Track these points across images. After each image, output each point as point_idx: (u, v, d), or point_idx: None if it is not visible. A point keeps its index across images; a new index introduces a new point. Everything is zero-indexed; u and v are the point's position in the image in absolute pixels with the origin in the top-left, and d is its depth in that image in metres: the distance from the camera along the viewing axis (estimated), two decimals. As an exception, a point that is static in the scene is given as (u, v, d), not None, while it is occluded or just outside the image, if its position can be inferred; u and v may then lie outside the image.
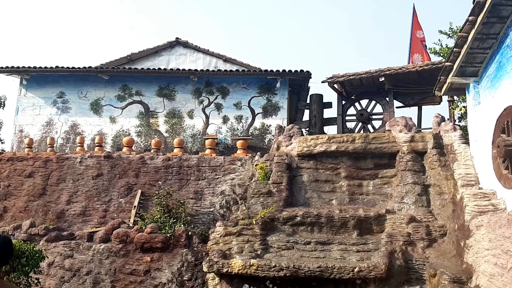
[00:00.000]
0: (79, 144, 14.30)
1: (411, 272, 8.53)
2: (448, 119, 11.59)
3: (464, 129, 10.94)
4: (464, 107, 11.79)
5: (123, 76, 15.41)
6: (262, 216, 9.87)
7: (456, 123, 12.15)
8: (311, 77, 14.68)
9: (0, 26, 48.58)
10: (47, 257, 10.20)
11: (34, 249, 9.37)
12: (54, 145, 14.52)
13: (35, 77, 15.67)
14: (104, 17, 50.57)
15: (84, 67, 15.07)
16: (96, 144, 14.12)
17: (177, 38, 17.30)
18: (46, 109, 15.57)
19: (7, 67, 15.18)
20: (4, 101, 22.79)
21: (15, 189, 13.21)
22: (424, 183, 10.09)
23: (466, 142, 9.83)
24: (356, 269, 8.37)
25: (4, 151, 16.46)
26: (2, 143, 22.37)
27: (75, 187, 12.94)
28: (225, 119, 14.93)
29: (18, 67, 15.15)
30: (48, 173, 13.28)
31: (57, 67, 14.99)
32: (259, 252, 9.42)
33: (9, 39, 48.24)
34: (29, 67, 15.12)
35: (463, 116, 13.30)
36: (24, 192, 13.07)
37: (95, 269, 10.75)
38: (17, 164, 13.60)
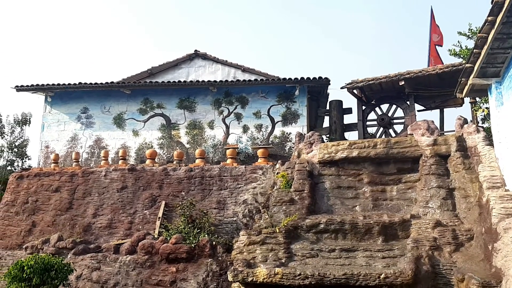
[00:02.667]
0: (103, 158, 14.58)
1: (438, 277, 8.41)
2: (471, 121, 11.43)
3: (488, 131, 10.76)
4: (486, 108, 11.60)
5: (145, 90, 15.68)
6: (285, 224, 9.88)
7: (479, 124, 11.97)
8: (329, 84, 14.66)
9: (25, 44, 50.01)
10: (75, 270, 10.43)
11: (63, 262, 9.60)
12: (79, 160, 14.84)
13: (59, 94, 16.07)
14: (123, 32, 51.59)
15: (107, 83, 15.39)
16: (120, 157, 14.37)
17: (195, 50, 17.54)
18: (71, 124, 15.93)
19: (32, 85, 15.62)
20: (29, 118, 23.46)
21: (42, 203, 13.52)
22: (448, 187, 9.95)
23: (490, 143, 9.67)
24: (382, 276, 8.29)
25: (31, 167, 16.87)
26: (28, 159, 22.96)
27: (100, 200, 13.17)
28: (245, 129, 15.01)
29: (42, 85, 15.56)
30: (74, 187, 13.56)
31: (80, 83, 15.35)
32: (283, 261, 9.41)
33: (33, 57, 49.62)
34: (53, 84, 15.52)
35: (486, 118, 13.07)
36: (51, 207, 13.36)
37: (122, 280, 10.90)
38: (44, 179, 13.94)
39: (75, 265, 10.92)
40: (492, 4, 7.26)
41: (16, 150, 22.72)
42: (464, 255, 8.63)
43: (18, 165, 22.54)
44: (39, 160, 15.78)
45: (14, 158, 22.80)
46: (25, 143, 23.06)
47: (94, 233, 12.61)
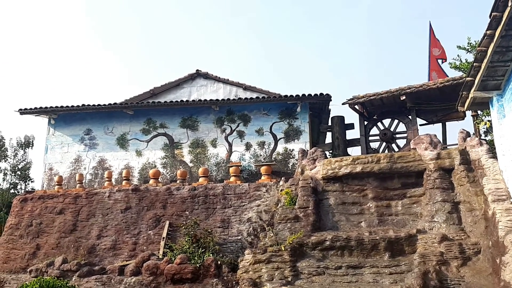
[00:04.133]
0: (107, 179, 14.58)
1: (447, 293, 8.32)
2: (473, 134, 11.44)
3: (491, 143, 10.77)
4: (489, 121, 11.63)
5: (147, 110, 15.77)
6: (291, 242, 9.83)
7: (482, 137, 11.96)
8: (331, 100, 14.72)
9: (28, 68, 50.50)
10: (80, 292, 10.35)
11: (68, 285, 9.56)
12: (83, 181, 14.84)
13: (62, 116, 16.16)
14: (125, 53, 52.09)
15: (109, 104, 15.49)
16: (124, 178, 14.38)
17: (197, 70, 17.69)
18: (74, 146, 15.98)
19: (35, 108, 15.72)
20: (32, 141, 23.57)
21: (46, 226, 13.48)
22: (453, 200, 9.92)
23: (494, 156, 9.66)
24: (389, 292, 8.21)
25: (34, 189, 16.88)
26: (32, 181, 22.98)
27: (104, 222, 13.14)
28: (248, 146, 15.04)
29: (46, 108, 15.67)
30: (78, 209, 13.54)
31: (83, 105, 15.45)
32: (289, 279, 9.34)
33: (36, 80, 50.05)
34: (56, 106, 15.62)
35: (489, 130, 13.09)
36: (55, 229, 13.33)
37: (127, 302, 10.80)
38: (48, 201, 13.93)
39: (80, 287, 10.84)
40: (490, 18, 7.34)
41: (20, 173, 22.76)
42: (472, 269, 8.55)
43: (21, 188, 22.57)
44: (43, 182, 15.79)
45: (17, 181, 22.83)
46: (28, 165, 23.12)
47: (98, 255, 12.55)
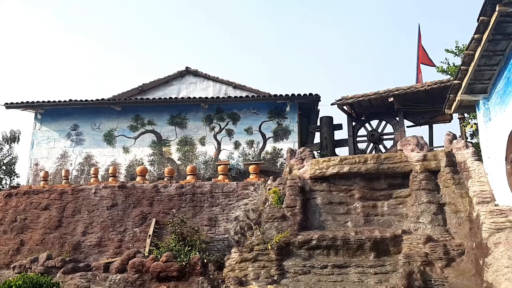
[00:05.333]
0: (93, 175, 14.47)
1: (430, 293, 8.41)
2: (459, 137, 11.57)
3: (477, 146, 10.90)
4: (475, 124, 11.76)
5: (135, 107, 15.66)
6: (277, 241, 9.85)
7: (468, 140, 12.12)
8: (320, 100, 14.77)
9: (15, 62, 49.86)
10: (64, 289, 10.25)
11: (52, 281, 9.46)
12: (69, 177, 14.70)
13: (49, 111, 15.98)
14: (113, 49, 51.69)
15: (97, 99, 15.35)
16: (110, 175, 14.27)
17: (187, 67, 17.61)
18: (61, 142, 15.82)
19: (22, 102, 15.52)
20: (18, 136, 23.32)
21: (31, 222, 13.33)
22: (439, 202, 10.02)
23: (479, 159, 9.79)
24: (374, 292, 8.27)
25: (20, 185, 16.69)
26: (17, 177, 22.75)
27: (90, 218, 13.04)
28: (237, 145, 15.02)
29: (32, 102, 15.48)
30: (64, 205, 13.41)
31: (70, 100, 15.29)
32: (275, 278, 9.37)
33: (23, 74, 49.44)
34: (43, 101, 15.44)
35: (475, 133, 13.24)
36: (40, 225, 13.18)
37: (112, 300, 10.73)
38: (33, 197, 13.77)
39: (64, 284, 10.75)
40: (478, 22, 7.43)
41: (5, 168, 22.51)
42: (456, 270, 8.66)
43: (6, 183, 22.32)
44: (28, 177, 15.61)
45: (2, 176, 22.58)
46: (13, 160, 22.89)
47: (83, 252, 12.44)
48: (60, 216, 13.23)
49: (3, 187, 21.46)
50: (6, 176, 22.65)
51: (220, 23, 52.01)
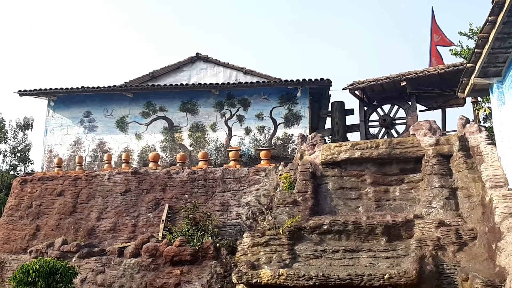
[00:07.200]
0: (106, 162, 14.63)
1: (442, 277, 8.44)
2: (473, 121, 11.46)
3: (490, 130, 10.79)
4: (488, 107, 11.64)
5: (147, 93, 15.73)
6: (289, 226, 9.91)
7: (481, 124, 11.98)
8: (331, 85, 14.69)
9: (28, 49, 50.19)
10: (80, 273, 10.46)
11: (67, 266, 9.64)
12: (83, 164, 14.88)
13: (62, 98, 16.13)
14: (125, 36, 51.74)
15: (109, 86, 15.44)
16: (123, 161, 14.42)
17: (197, 53, 17.58)
18: (74, 128, 15.98)
19: (35, 89, 15.67)
20: (32, 123, 23.58)
21: (46, 207, 13.56)
22: (451, 187, 9.97)
23: (493, 143, 9.69)
24: (386, 276, 8.32)
25: (34, 171, 16.93)
26: (31, 163, 23.06)
27: (104, 204, 13.22)
28: (248, 131, 15.04)
29: (45, 89, 15.62)
30: (78, 191, 13.61)
31: (82, 87, 15.41)
32: (287, 262, 9.45)
33: (36, 61, 49.79)
34: (56, 88, 15.58)
35: (488, 117, 13.11)
36: (55, 211, 13.41)
37: (127, 283, 10.93)
38: (47, 183, 13.98)
39: (80, 268, 10.95)
40: (492, 4, 7.30)
41: (19, 155, 22.83)
42: (468, 254, 8.65)
43: (21, 170, 22.67)
44: (43, 164, 15.83)
45: (17, 163, 22.92)
46: (27, 147, 23.19)
47: (98, 237, 12.65)
48: (75, 202, 13.43)
49: (18, 173, 21.80)
50: (20, 163, 22.98)
51: (231, 8, 51.70)
